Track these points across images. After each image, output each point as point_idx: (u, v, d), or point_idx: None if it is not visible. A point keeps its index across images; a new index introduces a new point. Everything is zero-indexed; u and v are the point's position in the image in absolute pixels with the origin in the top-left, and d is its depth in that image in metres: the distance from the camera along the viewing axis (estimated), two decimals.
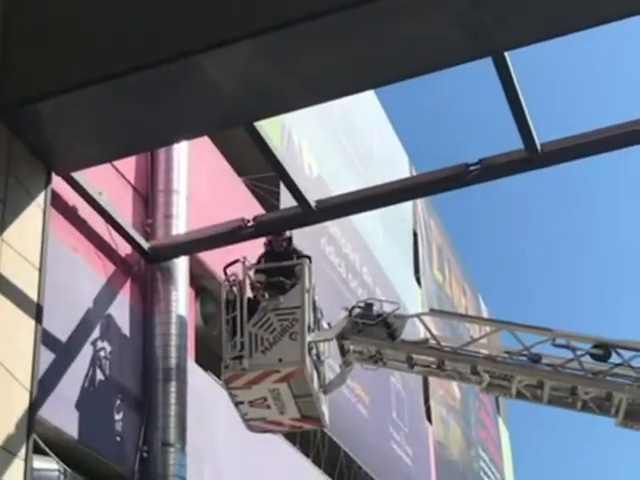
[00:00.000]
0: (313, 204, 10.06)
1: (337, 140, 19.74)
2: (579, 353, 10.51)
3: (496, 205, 57.07)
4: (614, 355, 10.41)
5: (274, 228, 11.07)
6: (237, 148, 13.51)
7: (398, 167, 24.53)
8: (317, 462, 16.80)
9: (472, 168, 9.02)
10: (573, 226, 59.55)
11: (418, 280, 25.46)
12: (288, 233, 11.31)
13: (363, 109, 21.32)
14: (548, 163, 8.83)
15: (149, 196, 12.25)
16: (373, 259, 21.31)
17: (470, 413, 28.77)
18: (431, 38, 6.62)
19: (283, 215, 11.43)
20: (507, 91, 7.72)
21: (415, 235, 25.76)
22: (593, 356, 10.51)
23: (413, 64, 7.29)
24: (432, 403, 24.62)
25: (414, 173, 25.44)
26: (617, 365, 10.39)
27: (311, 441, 16.59)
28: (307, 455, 16.42)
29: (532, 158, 8.65)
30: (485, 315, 33.88)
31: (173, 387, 11.41)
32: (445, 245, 29.42)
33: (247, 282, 10.94)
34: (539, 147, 8.57)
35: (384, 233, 22.26)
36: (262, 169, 12.95)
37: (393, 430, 20.83)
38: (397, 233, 23.77)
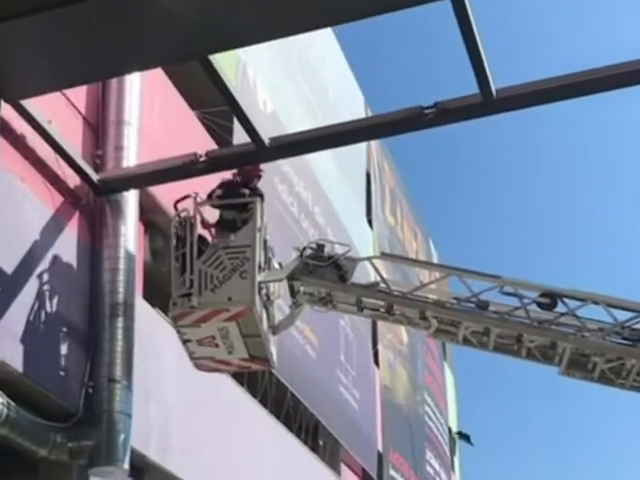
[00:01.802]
0: (267, 141, 9.84)
1: (293, 77, 19.48)
2: (526, 301, 10.53)
3: (451, 151, 57.23)
4: (560, 304, 10.43)
5: (226, 164, 10.86)
6: (190, 81, 13.20)
7: (353, 107, 24.34)
8: (264, 403, 16.76)
9: (427, 111, 8.88)
10: (529, 175, 60.08)
11: (370, 222, 25.43)
12: (263, 167, 11.12)
13: (320, 47, 21.07)
14: (503, 109, 8.73)
15: (99, 127, 11.95)
16: (326, 199, 21.17)
17: (417, 358, 28.98)
18: None
19: (236, 151, 11.21)
20: (465, 35, 7.59)
21: (368, 177, 25.68)
22: (540, 305, 10.53)
23: (373, 2, 7.09)
24: (380, 347, 24.72)
25: (369, 113, 25.30)
26: (562, 314, 10.43)
27: (258, 381, 16.54)
28: (254, 395, 16.37)
29: (487, 103, 8.54)
30: (435, 260, 34.05)
31: (120, 323, 11.22)
32: (398, 188, 29.37)
33: (198, 218, 10.73)
34: (494, 92, 8.45)
35: (337, 174, 22.12)
36: (216, 103, 12.70)
37: (341, 373, 20.88)
38: (350, 174, 23.65)
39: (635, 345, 10.06)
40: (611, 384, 10.43)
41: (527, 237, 62.53)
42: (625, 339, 10.14)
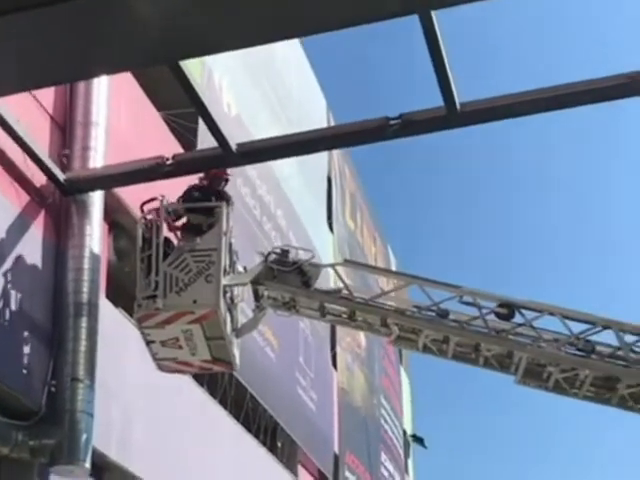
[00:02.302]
0: (234, 147, 9.95)
1: (257, 81, 19.59)
2: (484, 311, 10.74)
3: (413, 158, 57.59)
4: (517, 315, 10.66)
5: (193, 168, 10.96)
6: (155, 82, 13.30)
7: (316, 112, 24.54)
8: (224, 403, 16.85)
9: (392, 122, 9.03)
10: (489, 182, 60.59)
11: (330, 226, 25.58)
12: (229, 172, 11.23)
13: (285, 52, 21.20)
14: (466, 122, 8.91)
15: (67, 127, 11.99)
16: (288, 202, 21.31)
17: (374, 361, 29.18)
18: None
19: (203, 155, 11.30)
20: (431, 49, 7.73)
21: (329, 181, 25.84)
22: (498, 315, 10.75)
23: (340, 15, 7.20)
24: (338, 350, 24.88)
25: (331, 119, 25.53)
26: (520, 325, 10.66)
27: (218, 382, 16.63)
28: (214, 396, 16.45)
29: (451, 116, 8.70)
30: (393, 266, 34.33)
31: (84, 322, 11.26)
32: (358, 193, 29.57)
33: (164, 221, 10.82)
34: (458, 106, 8.62)
35: (299, 177, 22.27)
36: (180, 105, 12.79)
37: (299, 375, 21.01)
38: (312, 178, 23.81)
39: (588, 356, 10.30)
40: (565, 394, 10.67)
41: (487, 246, 63.08)
42: (579, 350, 10.39)
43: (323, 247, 23.97)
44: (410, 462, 35.91)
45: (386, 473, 29.61)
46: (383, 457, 29.33)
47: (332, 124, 25.48)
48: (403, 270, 35.90)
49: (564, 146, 55.92)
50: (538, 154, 56.66)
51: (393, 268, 34.55)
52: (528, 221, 62.38)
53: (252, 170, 18.22)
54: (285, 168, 20.65)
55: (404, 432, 34.31)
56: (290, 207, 21.47)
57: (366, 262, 29.23)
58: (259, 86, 19.71)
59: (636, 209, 61.73)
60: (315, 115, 24.43)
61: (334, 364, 24.70)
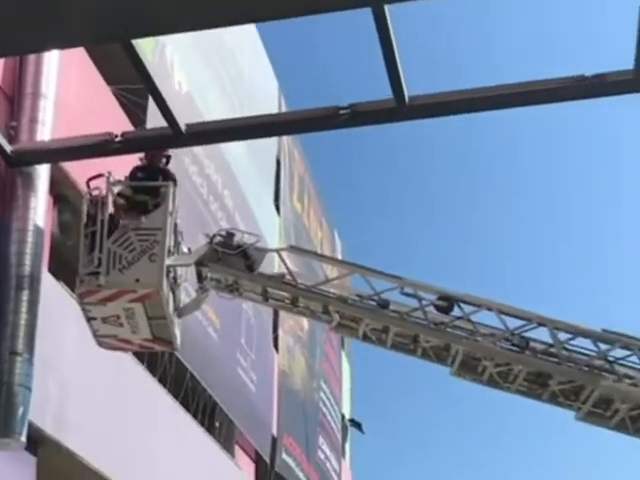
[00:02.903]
0: (183, 127, 9.94)
1: (210, 60, 19.52)
2: (424, 303, 10.86)
3: (364, 144, 57.76)
4: (456, 308, 10.81)
5: (141, 146, 10.93)
6: (107, 56, 13.21)
7: (267, 93, 24.51)
8: (163, 382, 16.85)
9: (342, 112, 9.09)
10: (440, 167, 61.01)
11: (277, 208, 25.61)
12: (170, 151, 11.20)
13: (238, 32, 21.11)
14: (414, 116, 8.98)
15: (15, 98, 11.88)
16: (235, 182, 21.28)
17: (316, 345, 29.32)
18: None
19: (151, 134, 11.29)
20: (383, 43, 7.78)
21: (278, 163, 25.84)
22: (437, 307, 10.89)
23: (293, 3, 7.23)
24: (280, 332, 24.97)
25: (282, 101, 25.51)
26: (458, 318, 10.81)
27: (159, 360, 16.62)
28: (153, 374, 16.44)
29: (399, 109, 8.77)
30: (339, 250, 34.48)
31: (25, 296, 11.18)
32: (306, 176, 29.61)
33: (110, 198, 10.78)
34: (407, 100, 8.69)
35: (248, 158, 22.24)
36: (131, 80, 12.72)
37: (240, 356, 21.05)
38: (261, 159, 23.78)
39: (522, 352, 10.48)
40: (498, 387, 10.85)
41: (435, 235, 63.54)
42: (514, 345, 10.56)
43: (269, 229, 24.00)
44: (347, 446, 36.17)
45: (323, 456, 29.80)
46: (320, 440, 29.51)
47: (283, 106, 25.50)
48: (349, 255, 36.16)
49: (527, 135, 56.49)
50: (497, 141, 57.10)
51: (339, 252, 34.74)
52: (479, 206, 62.91)
53: (200, 148, 18.17)
54: (234, 148, 20.60)
55: (342, 416, 34.53)
56: (238, 187, 21.44)
57: (311, 245, 29.35)
58: (211, 65, 19.64)
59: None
60: (266, 97, 24.41)
61: (276, 346, 24.79)
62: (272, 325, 24.46)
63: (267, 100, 24.36)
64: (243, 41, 22.02)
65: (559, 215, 63.17)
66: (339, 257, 34.58)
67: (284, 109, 25.43)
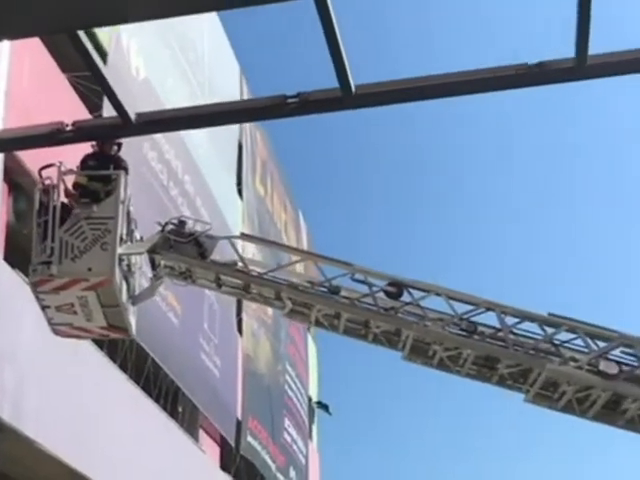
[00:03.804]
0: (133, 116, 9.93)
1: (168, 45, 19.51)
2: (374, 289, 10.97)
3: (329, 124, 57.80)
4: (406, 294, 10.93)
5: (92, 135, 10.87)
6: (63, 43, 13.19)
7: (228, 76, 24.50)
8: (124, 368, 16.90)
9: (290, 100, 9.10)
10: (405, 151, 61.24)
11: (240, 192, 25.63)
12: (120, 140, 11.21)
13: (198, 17, 21.09)
14: (362, 104, 8.95)
15: None
16: (196, 168, 21.30)
17: (281, 329, 29.43)
18: None
19: (102, 123, 11.18)
20: (326, 32, 7.77)
21: (240, 147, 25.86)
22: (387, 293, 11.00)
23: None
24: (244, 316, 25.06)
25: (244, 84, 25.50)
26: (407, 304, 10.92)
27: (119, 346, 16.66)
28: (114, 360, 16.49)
29: (346, 98, 8.77)
30: (303, 231, 34.54)
31: None
32: (270, 160, 29.63)
33: (62, 187, 10.78)
34: (354, 88, 8.72)
35: (209, 142, 22.26)
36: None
37: (203, 341, 21.14)
38: (222, 143, 23.80)
39: (470, 336, 10.62)
40: (448, 371, 10.99)
41: (398, 221, 63.93)
42: (462, 330, 10.70)
43: (232, 213, 24.06)
44: (314, 428, 36.35)
45: (289, 438, 29.97)
46: (286, 423, 29.67)
47: (245, 91, 25.50)
48: (314, 237, 36.31)
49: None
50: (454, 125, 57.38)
51: (304, 234, 34.84)
52: (440, 190, 63.21)
53: (160, 134, 18.17)
54: (195, 133, 20.60)
55: (309, 399, 34.70)
56: (198, 172, 21.47)
57: (275, 229, 29.44)
58: (169, 49, 19.63)
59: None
60: (227, 80, 24.41)
61: (240, 330, 24.88)
62: (236, 309, 24.53)
63: (228, 84, 24.37)
64: (203, 26, 22.01)
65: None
66: (304, 238, 34.76)
67: (246, 93, 25.44)
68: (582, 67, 8.59)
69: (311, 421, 35.24)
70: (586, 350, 10.46)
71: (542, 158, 62.17)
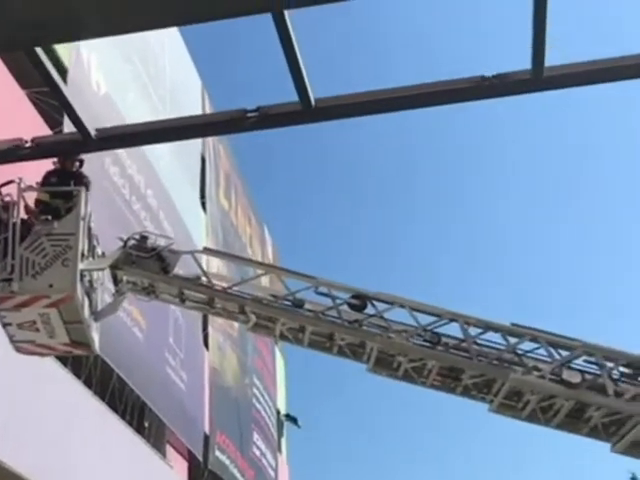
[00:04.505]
0: (93, 132, 9.90)
1: (128, 59, 19.47)
2: (338, 302, 10.99)
3: (295, 136, 57.99)
4: (370, 307, 10.95)
5: (51, 152, 10.82)
6: (21, 58, 13.12)
7: (190, 91, 24.50)
8: (88, 384, 16.79)
9: (250, 115, 9.11)
10: (376, 163, 61.57)
11: (204, 205, 25.61)
12: (82, 155, 11.16)
13: (158, 32, 21.08)
14: (322, 118, 9.01)
15: None
16: (159, 182, 21.24)
17: (247, 342, 29.38)
18: None
19: (62, 139, 11.17)
20: (285, 48, 7.80)
21: (203, 160, 25.84)
22: (351, 306, 11.02)
23: (194, 11, 7.23)
24: (210, 330, 25.01)
25: (206, 98, 25.50)
26: (371, 316, 10.94)
27: (83, 363, 16.55)
28: (78, 376, 16.38)
29: (306, 112, 8.80)
30: (269, 245, 34.55)
31: None
32: (233, 173, 29.62)
33: (21, 203, 10.72)
34: (313, 102, 8.75)
35: (171, 156, 22.22)
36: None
37: (169, 355, 21.05)
38: (185, 157, 23.78)
39: (434, 347, 10.66)
40: (413, 382, 11.02)
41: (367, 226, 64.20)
42: (426, 341, 10.73)
43: (196, 227, 24.02)
44: (283, 441, 36.29)
45: (258, 452, 29.89)
46: (255, 436, 29.59)
47: (207, 104, 25.50)
48: (280, 250, 36.33)
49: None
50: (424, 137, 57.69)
51: (269, 247, 34.84)
52: (408, 200, 63.50)
53: (122, 149, 18.12)
54: (157, 147, 20.57)
55: (278, 412, 34.64)
56: (161, 186, 21.41)
57: (240, 242, 29.42)
58: (130, 64, 19.59)
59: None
60: (189, 94, 24.40)
61: (206, 344, 24.80)
62: (202, 323, 24.47)
63: (190, 98, 24.35)
64: (164, 40, 22.00)
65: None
66: (269, 252, 34.75)
67: (208, 107, 25.43)
68: (539, 79, 8.69)
69: (280, 434, 35.18)
70: (549, 359, 10.54)
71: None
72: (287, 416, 36.38)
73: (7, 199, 10.73)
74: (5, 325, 10.99)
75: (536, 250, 64.93)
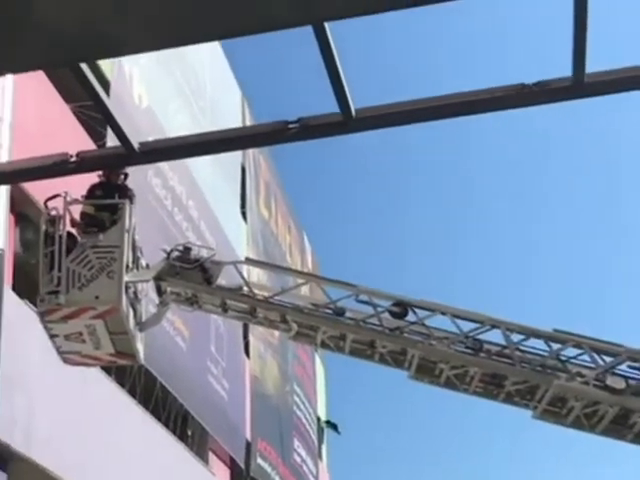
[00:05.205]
0: (137, 146, 10.05)
1: (169, 71, 19.66)
2: (379, 310, 11.04)
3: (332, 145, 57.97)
4: (411, 314, 11.00)
5: (96, 166, 10.98)
6: (65, 74, 13.33)
7: (230, 102, 24.67)
8: (132, 393, 16.97)
9: (291, 126, 9.19)
10: (415, 170, 61.52)
11: (244, 215, 25.75)
12: (126, 169, 11.34)
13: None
14: (363, 128, 9.05)
15: None
16: (200, 193, 21.42)
17: (287, 350, 29.47)
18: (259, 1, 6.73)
19: (106, 154, 11.33)
20: (325, 59, 7.86)
21: (243, 170, 25.99)
22: (392, 313, 11.07)
23: (230, 25, 7.30)
24: (251, 338, 25.13)
25: (246, 109, 25.66)
26: (413, 323, 10.98)
27: (127, 372, 16.74)
28: (123, 386, 16.56)
29: (347, 122, 8.85)
30: (308, 252, 34.64)
31: None
32: (273, 182, 29.75)
33: (67, 217, 10.89)
34: (354, 113, 8.82)
35: (212, 167, 22.39)
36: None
37: (211, 364, 21.20)
38: (225, 167, 23.93)
39: (477, 354, 10.68)
40: (455, 389, 11.05)
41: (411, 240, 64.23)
42: (468, 348, 10.76)
43: (236, 236, 24.17)
44: (324, 448, 36.33)
45: (299, 459, 29.97)
46: (296, 443, 29.68)
47: (247, 116, 25.66)
48: (320, 258, 36.44)
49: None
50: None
51: (309, 255, 34.94)
52: (450, 211, 63.34)
53: None
54: (198, 158, 20.71)
55: (318, 419, 34.70)
56: (202, 197, 21.59)
57: (280, 250, 29.55)
58: (171, 76, 19.78)
59: None
60: (229, 105, 24.57)
61: (247, 353, 24.93)
62: (243, 332, 24.60)
63: (230, 110, 24.52)
64: (205, 52, 22.18)
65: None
66: (309, 259, 34.86)
67: (248, 119, 25.60)
68: (580, 85, 8.71)
69: (320, 441, 35.23)
70: (593, 365, 10.52)
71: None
72: (327, 423, 36.40)
73: (53, 213, 10.91)
74: (52, 337, 11.15)
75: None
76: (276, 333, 27.00)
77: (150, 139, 12.15)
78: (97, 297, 10.50)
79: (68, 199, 10.91)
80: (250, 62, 47.08)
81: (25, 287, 13.04)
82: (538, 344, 10.72)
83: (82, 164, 10.87)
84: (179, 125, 18.93)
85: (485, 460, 58.81)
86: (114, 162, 10.89)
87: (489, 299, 50.97)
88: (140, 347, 11.54)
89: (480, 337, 10.76)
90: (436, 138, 52.54)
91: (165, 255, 11.55)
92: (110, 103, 10.29)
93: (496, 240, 65.41)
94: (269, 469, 25.64)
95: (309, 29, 7.83)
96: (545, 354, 10.61)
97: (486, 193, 62.65)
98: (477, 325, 10.77)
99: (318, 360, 35.61)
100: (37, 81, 13.55)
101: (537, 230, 63.98)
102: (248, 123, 24.69)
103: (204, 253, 11.73)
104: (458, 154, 59.92)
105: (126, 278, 10.60)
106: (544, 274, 63.18)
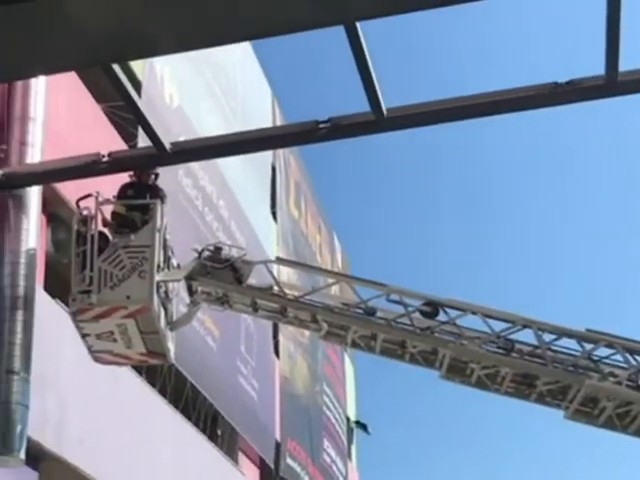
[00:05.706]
0: (168, 146, 10.12)
1: (200, 71, 19.71)
2: (410, 309, 11.03)
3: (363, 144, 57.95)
4: (442, 313, 10.98)
5: (128, 166, 11.10)
6: (96, 74, 13.40)
7: (261, 102, 24.69)
8: (163, 392, 17.03)
9: (322, 126, 9.24)
10: (444, 169, 61.43)
11: (274, 215, 25.78)
12: (157, 169, 11.40)
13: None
14: (394, 127, 9.12)
15: (4, 122, 12.06)
16: (230, 193, 21.46)
17: (317, 349, 29.47)
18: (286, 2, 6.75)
19: (138, 154, 11.49)
20: (357, 59, 7.93)
21: (274, 170, 26.01)
22: (423, 313, 11.05)
23: (273, 23, 7.35)
24: (281, 338, 25.15)
25: (277, 109, 25.68)
26: (443, 323, 10.96)
27: (158, 372, 16.80)
28: (153, 385, 16.62)
29: (378, 122, 8.91)
30: (338, 252, 34.63)
31: (20, 316, 11.31)
32: (303, 182, 29.76)
33: (99, 217, 10.96)
34: (385, 112, 8.85)
35: (243, 167, 22.41)
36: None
37: (241, 364, 21.25)
38: (256, 167, 23.96)
39: (508, 354, 10.64)
40: (487, 389, 11.00)
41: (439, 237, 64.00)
42: (500, 348, 10.73)
43: (266, 236, 24.21)
44: (353, 448, 36.30)
45: (328, 459, 29.96)
46: (325, 444, 29.67)
47: (278, 116, 25.68)
48: (350, 257, 36.43)
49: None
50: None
51: (339, 254, 34.92)
52: (472, 210, 63.17)
53: None
54: (228, 158, 20.77)
55: (347, 419, 34.67)
56: (232, 197, 21.63)
57: (310, 250, 29.56)
58: (202, 76, 19.82)
59: None
60: (260, 106, 24.59)
61: (276, 352, 24.95)
62: (272, 331, 24.62)
63: (261, 110, 24.55)
64: (235, 52, 22.21)
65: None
66: (339, 259, 34.86)
67: (279, 119, 25.61)
68: (613, 84, 8.66)
69: (350, 441, 35.19)
70: (625, 365, 10.45)
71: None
72: (357, 423, 36.37)
73: (85, 212, 11.00)
74: (84, 336, 11.25)
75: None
76: (306, 333, 27.00)
77: (181, 139, 12.29)
78: (128, 297, 10.58)
79: (100, 199, 10.99)
80: (280, 62, 47.19)
81: (57, 287, 13.11)
82: (570, 344, 10.68)
83: (114, 164, 11.03)
84: (210, 125, 18.98)
85: (517, 459, 58.51)
86: (146, 162, 11.05)
87: (512, 298, 50.64)
88: (171, 346, 11.62)
89: (511, 337, 10.72)
90: (460, 138, 52.38)
91: (196, 255, 11.60)
92: (142, 103, 10.44)
93: (521, 240, 65.17)
94: (298, 469, 25.65)
95: (339, 29, 7.85)
96: (577, 354, 10.56)
97: (511, 193, 62.41)
98: (508, 325, 10.74)
99: (347, 360, 35.57)
100: (69, 81, 13.63)
101: (560, 230, 63.68)
102: (278, 123, 24.70)
103: (235, 253, 11.77)
104: (481, 154, 59.85)
105: (157, 278, 10.67)
106: (567, 273, 62.96)
